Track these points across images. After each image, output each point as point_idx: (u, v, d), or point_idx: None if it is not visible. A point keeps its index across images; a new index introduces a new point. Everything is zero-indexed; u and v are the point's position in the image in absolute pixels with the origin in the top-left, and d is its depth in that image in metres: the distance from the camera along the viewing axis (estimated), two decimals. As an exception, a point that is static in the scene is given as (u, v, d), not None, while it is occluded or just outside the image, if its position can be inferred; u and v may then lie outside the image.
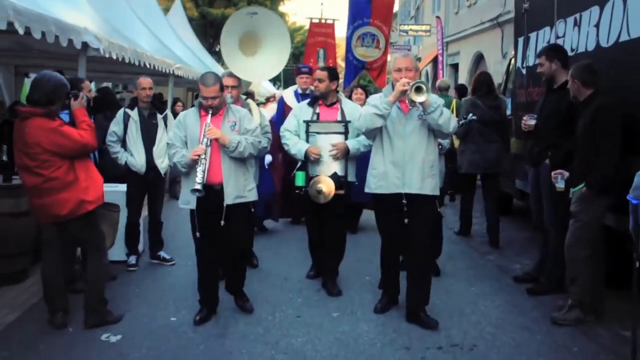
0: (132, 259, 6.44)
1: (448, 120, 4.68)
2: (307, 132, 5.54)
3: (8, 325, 4.76)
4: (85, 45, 6.35)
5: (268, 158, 7.18)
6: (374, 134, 4.84)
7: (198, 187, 4.49)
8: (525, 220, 8.30)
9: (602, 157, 4.51)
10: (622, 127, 4.54)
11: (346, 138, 5.48)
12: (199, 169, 4.53)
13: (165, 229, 6.79)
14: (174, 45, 14.21)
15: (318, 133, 5.50)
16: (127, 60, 7.83)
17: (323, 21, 17.04)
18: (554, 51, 5.34)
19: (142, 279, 6.03)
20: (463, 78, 24.09)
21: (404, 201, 4.70)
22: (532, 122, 5.45)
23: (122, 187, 6.48)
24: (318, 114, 5.62)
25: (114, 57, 7.27)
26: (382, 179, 4.82)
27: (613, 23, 4.94)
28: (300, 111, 5.71)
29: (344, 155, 5.42)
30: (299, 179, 5.52)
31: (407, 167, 4.73)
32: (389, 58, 15.57)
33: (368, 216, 7.40)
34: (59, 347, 4.36)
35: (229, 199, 4.73)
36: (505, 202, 8.81)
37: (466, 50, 23.99)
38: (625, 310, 4.52)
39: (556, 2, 6.09)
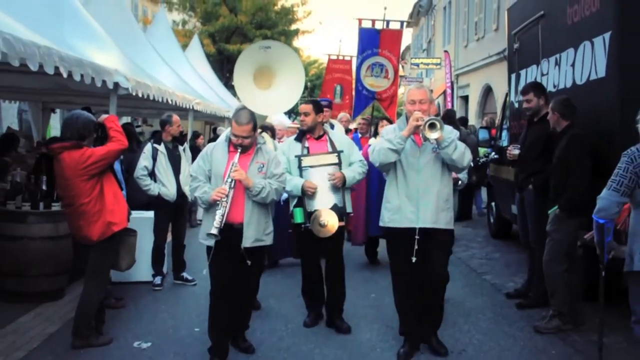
0: (158, 280, 7.04)
1: (462, 154, 4.61)
2: (299, 167, 5.42)
3: (50, 335, 5.36)
4: (116, 85, 7.06)
5: (284, 195, 7.43)
6: (388, 167, 4.78)
7: (214, 231, 4.40)
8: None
9: (572, 180, 5.11)
10: (593, 156, 5.14)
11: (340, 168, 5.42)
12: (219, 212, 4.42)
13: (186, 252, 7.39)
14: (193, 81, 14.90)
15: (311, 167, 5.41)
16: (151, 98, 8.53)
17: (341, 57, 17.45)
18: (539, 88, 5.98)
19: (167, 297, 6.62)
20: (473, 109, 24.74)
21: (417, 237, 4.60)
22: (516, 151, 6.05)
23: (148, 214, 7.14)
24: (307, 148, 5.53)
25: (140, 95, 7.99)
26: (396, 212, 4.75)
27: (585, 63, 5.57)
28: (289, 147, 5.60)
29: (342, 184, 5.37)
30: (297, 215, 5.41)
31: (421, 201, 4.66)
32: (400, 90, 16.08)
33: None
34: (96, 353, 4.95)
35: (247, 241, 4.61)
36: (504, 226, 9.36)
37: (475, 82, 24.65)
38: (598, 323, 5.04)
39: (541, 43, 6.73)
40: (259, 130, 5.81)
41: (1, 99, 14.07)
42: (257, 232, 4.65)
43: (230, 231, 4.54)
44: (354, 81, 16.64)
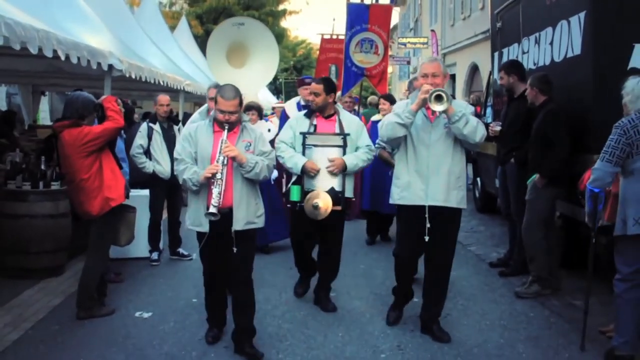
0: (155, 255, 7.28)
1: (474, 130, 4.45)
2: (303, 144, 5.28)
3: (55, 307, 5.60)
4: (110, 67, 7.24)
5: (274, 174, 7.16)
6: (397, 142, 4.66)
7: (213, 210, 4.21)
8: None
9: (555, 150, 5.41)
10: (570, 129, 5.42)
11: (344, 151, 5.25)
12: (215, 190, 4.23)
13: (182, 228, 7.62)
14: (181, 62, 15.01)
15: (315, 146, 5.26)
16: (143, 79, 8.72)
17: (334, 37, 17.03)
18: (511, 67, 6.25)
19: (165, 271, 6.86)
20: (460, 88, 24.99)
21: (426, 215, 4.52)
22: (498, 128, 6.32)
23: (144, 192, 7.37)
24: (315, 126, 5.37)
25: (133, 77, 8.18)
26: (405, 189, 4.64)
27: (562, 42, 5.83)
28: (297, 122, 5.45)
29: (341, 171, 5.19)
30: (294, 193, 5.28)
31: (431, 178, 4.54)
32: (389, 70, 15.92)
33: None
34: (101, 322, 5.20)
35: (238, 224, 4.42)
36: (489, 201, 9.67)
37: (462, 61, 24.88)
38: (577, 285, 5.37)
39: (521, 23, 6.98)
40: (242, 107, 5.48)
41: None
42: (247, 214, 4.46)
43: (220, 217, 4.32)
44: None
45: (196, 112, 6.05)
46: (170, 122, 7.40)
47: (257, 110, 7.54)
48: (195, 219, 4.53)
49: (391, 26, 26.95)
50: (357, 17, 11.46)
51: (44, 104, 16.79)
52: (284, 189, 6.28)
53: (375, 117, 8.11)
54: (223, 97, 4.35)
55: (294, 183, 5.33)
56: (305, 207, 5.15)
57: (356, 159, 5.23)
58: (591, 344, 4.53)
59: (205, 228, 4.43)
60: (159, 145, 7.11)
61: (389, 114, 4.74)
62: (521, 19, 7.00)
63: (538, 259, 5.63)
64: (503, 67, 6.38)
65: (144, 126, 7.22)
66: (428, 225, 4.52)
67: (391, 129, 4.53)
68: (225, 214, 4.35)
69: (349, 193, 5.32)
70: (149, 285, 6.27)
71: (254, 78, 6.22)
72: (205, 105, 5.82)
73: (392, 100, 7.85)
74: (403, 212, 4.75)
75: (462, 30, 24.33)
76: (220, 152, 4.28)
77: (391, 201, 4.82)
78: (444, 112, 4.38)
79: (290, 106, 8.02)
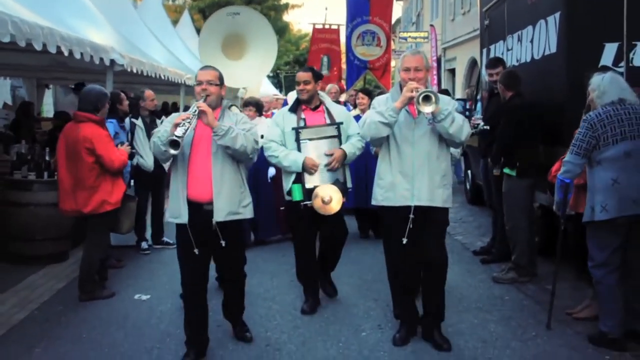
0: (145, 244, 7.54)
1: (460, 128, 4.30)
2: (297, 140, 5.06)
3: (58, 291, 5.93)
4: (112, 62, 7.55)
5: (271, 171, 7.27)
6: (380, 142, 4.46)
7: (176, 137, 3.87)
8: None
9: (497, 140, 5.99)
10: (543, 123, 5.74)
11: (339, 140, 5.09)
12: (180, 128, 3.90)
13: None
14: (183, 56, 15.26)
15: (310, 139, 5.04)
16: (145, 74, 9.02)
17: (327, 26, 16.54)
18: (497, 63, 6.53)
19: (159, 258, 7.15)
20: (460, 82, 25.27)
21: (412, 215, 4.32)
22: (479, 122, 6.63)
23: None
24: (304, 119, 5.16)
25: (135, 71, 8.49)
26: (389, 190, 4.43)
27: (540, 40, 6.11)
28: (283, 119, 5.21)
29: (342, 163, 5.06)
30: (296, 193, 5.02)
31: (416, 177, 4.34)
32: (392, 64, 15.76)
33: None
34: (102, 304, 5.52)
35: (219, 214, 4.13)
36: (479, 193, 9.95)
37: (462, 55, 25.12)
38: (549, 270, 5.66)
39: (506, 21, 7.26)
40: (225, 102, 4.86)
41: (-3, 76, 14.42)
42: (230, 203, 4.17)
43: (199, 212, 4.12)
44: (343, 53, 16.01)
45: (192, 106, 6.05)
46: (153, 117, 7.64)
47: (255, 106, 7.51)
48: (174, 210, 4.22)
49: (394, 20, 27.04)
50: (358, 9, 11.57)
51: (48, 97, 17.07)
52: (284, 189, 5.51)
53: (354, 112, 7.80)
54: (200, 70, 4.30)
55: (294, 182, 5.04)
56: (314, 204, 4.90)
57: (353, 147, 5.08)
58: (558, 323, 4.84)
59: (183, 219, 4.13)
60: (141, 139, 7.23)
61: (370, 111, 4.52)
62: (506, 17, 7.29)
63: (518, 247, 5.93)
64: (488, 64, 6.67)
65: (126, 121, 7.39)
66: (410, 226, 4.31)
67: (374, 129, 4.31)
68: (207, 211, 4.11)
69: (349, 183, 5.22)
70: (147, 270, 6.60)
71: (252, 70, 5.82)
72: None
73: (370, 94, 7.71)
74: (387, 213, 4.51)
75: (461, 25, 24.56)
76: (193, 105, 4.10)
77: (374, 202, 4.60)
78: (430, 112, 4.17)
79: (292, 98, 7.64)
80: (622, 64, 5.28)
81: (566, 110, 5.49)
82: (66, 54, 6.18)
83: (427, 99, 4.11)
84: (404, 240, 4.34)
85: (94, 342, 4.63)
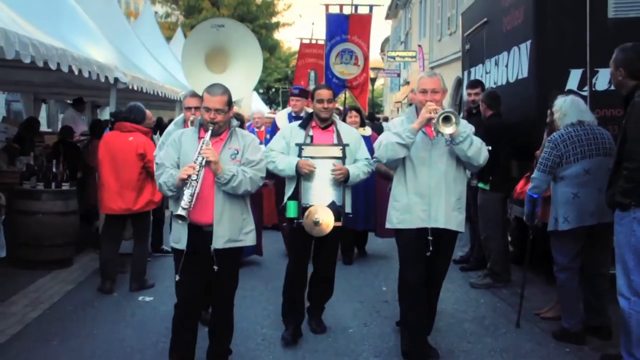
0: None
1: (478, 151, 4.25)
2: (299, 156, 4.88)
3: (67, 292, 6.35)
4: (116, 80, 8.04)
5: None
6: (396, 163, 4.39)
7: (182, 212, 3.80)
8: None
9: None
10: (516, 140, 6.27)
11: (343, 163, 4.89)
12: (187, 192, 3.81)
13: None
14: (177, 72, 15.73)
15: (312, 157, 4.87)
16: (144, 91, 9.51)
17: (314, 41, 16.88)
18: (476, 85, 7.09)
19: (160, 264, 7.58)
20: (446, 101, 25.82)
21: (430, 237, 4.27)
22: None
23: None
24: (312, 137, 4.99)
25: (135, 89, 8.98)
26: (405, 212, 4.37)
27: (514, 65, 6.67)
28: (291, 133, 5.04)
29: (344, 181, 4.85)
30: (291, 209, 4.87)
31: (433, 198, 4.30)
32: (380, 82, 16.00)
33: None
34: (108, 305, 5.97)
35: (218, 242, 4.03)
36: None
37: (448, 75, 25.69)
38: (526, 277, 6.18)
39: (485, 46, 7.83)
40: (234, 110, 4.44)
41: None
42: (231, 231, 4.07)
43: (199, 235, 4.03)
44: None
45: (172, 122, 5.57)
46: (152, 134, 8.10)
47: (241, 122, 7.78)
48: (175, 234, 4.14)
49: (383, 39, 27.35)
50: (337, 28, 11.54)
51: (42, 112, 17.46)
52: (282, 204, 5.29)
53: None
54: (209, 93, 4.02)
55: (290, 198, 4.91)
56: (304, 223, 4.76)
57: (357, 169, 4.90)
58: (526, 322, 5.37)
59: (182, 245, 4.05)
60: None
61: (386, 133, 4.46)
62: (485, 43, 7.85)
63: (493, 255, 6.44)
64: (468, 85, 7.22)
65: None
66: (431, 248, 4.29)
67: (391, 150, 4.25)
68: (207, 233, 4.03)
69: (348, 208, 4.97)
70: (149, 276, 7.02)
71: (236, 84, 5.36)
72: (181, 115, 5.37)
73: (358, 110, 7.71)
74: (403, 236, 4.42)
75: (448, 45, 25.21)
76: (198, 152, 3.91)
77: (389, 225, 4.53)
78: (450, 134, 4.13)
79: (281, 117, 7.78)
80: (586, 88, 5.82)
81: (536, 128, 6.01)
82: (76, 72, 6.68)
83: (447, 119, 4.07)
84: (428, 253, 4.30)
85: (104, 338, 5.08)
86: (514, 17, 6.66)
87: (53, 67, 6.04)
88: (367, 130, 7.46)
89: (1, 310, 5.63)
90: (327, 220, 4.74)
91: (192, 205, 3.81)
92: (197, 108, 4.90)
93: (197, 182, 3.84)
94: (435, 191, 4.30)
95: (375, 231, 7.72)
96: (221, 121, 4.03)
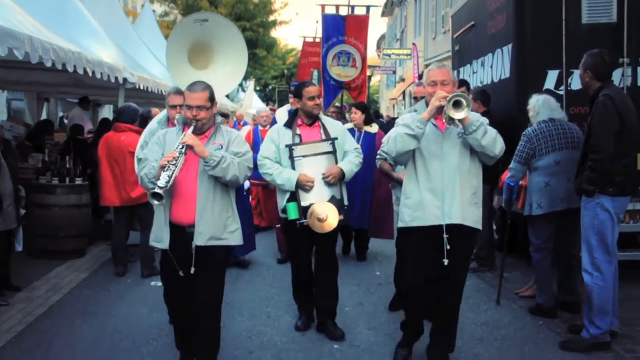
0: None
1: (493, 141, 4.03)
2: (291, 157, 4.88)
3: (83, 279, 6.86)
4: (124, 80, 8.53)
5: (246, 184, 7.23)
6: (406, 157, 4.17)
7: (158, 190, 3.67)
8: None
9: None
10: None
11: (335, 157, 4.91)
12: (165, 173, 3.71)
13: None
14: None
15: (304, 156, 4.87)
16: (149, 90, 9.99)
17: (317, 40, 16.46)
18: (463, 82, 7.57)
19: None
20: (440, 97, 26.35)
21: (445, 235, 4.03)
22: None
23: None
24: (300, 136, 5.00)
25: (141, 88, 9.47)
26: (418, 209, 4.15)
27: (498, 66, 7.18)
28: (278, 134, 5.03)
29: (340, 180, 4.88)
30: (291, 211, 4.82)
31: (446, 193, 4.07)
32: (376, 78, 16.01)
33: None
34: (123, 289, 6.49)
35: (199, 239, 3.89)
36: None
37: (442, 72, 26.24)
38: (508, 262, 6.69)
39: (472, 47, 8.33)
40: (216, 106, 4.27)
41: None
42: (214, 228, 3.95)
43: (182, 235, 3.94)
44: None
45: (154, 119, 5.41)
46: None
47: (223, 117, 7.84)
48: (157, 234, 4.09)
49: (379, 36, 27.58)
50: (334, 29, 11.19)
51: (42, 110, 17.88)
52: (279, 206, 5.15)
53: (347, 126, 7.69)
54: (190, 90, 3.97)
55: (288, 200, 4.87)
56: (309, 222, 4.73)
57: (350, 164, 4.93)
58: (506, 300, 5.92)
59: (164, 244, 3.97)
60: None
61: (395, 127, 4.25)
62: (472, 44, 8.36)
63: (479, 242, 6.95)
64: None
65: None
66: (448, 247, 4.03)
67: (401, 142, 4.05)
68: (190, 234, 3.92)
69: (346, 201, 5.01)
70: (157, 263, 7.52)
71: (220, 80, 5.37)
72: (164, 111, 5.25)
73: (364, 108, 7.60)
74: (415, 234, 4.22)
75: (442, 43, 25.64)
76: (179, 142, 3.85)
77: (401, 224, 4.33)
78: (461, 121, 3.94)
79: (282, 114, 7.80)
80: (562, 87, 6.31)
81: (517, 125, 6.51)
82: (90, 74, 7.18)
83: (457, 104, 3.90)
84: (445, 262, 4.05)
85: (122, 316, 5.59)
86: (498, 22, 7.17)
87: (70, 69, 6.55)
88: (374, 127, 7.46)
89: (26, 294, 6.15)
90: (332, 215, 4.73)
91: (168, 186, 3.70)
92: (182, 106, 4.65)
93: (176, 166, 3.75)
94: (448, 186, 4.08)
95: (369, 230, 7.67)
96: (204, 118, 3.98)
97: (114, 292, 6.36)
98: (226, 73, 5.71)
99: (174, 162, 3.74)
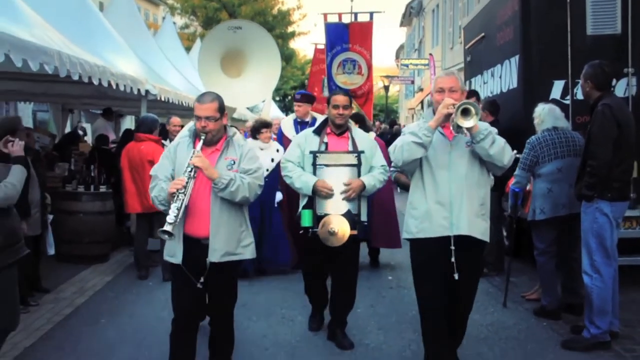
0: None
1: (501, 150, 3.94)
2: (313, 164, 4.82)
3: (107, 282, 7.18)
4: (146, 92, 8.86)
5: (279, 196, 7.25)
6: (413, 167, 4.07)
7: (167, 227, 3.65)
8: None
9: None
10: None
11: (359, 171, 4.80)
12: (173, 206, 3.69)
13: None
14: (197, 82, 16.54)
15: (327, 165, 4.80)
16: (170, 101, 10.31)
17: None
18: (473, 92, 7.82)
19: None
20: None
21: (452, 247, 3.92)
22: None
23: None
24: (326, 144, 4.93)
25: (162, 99, 9.79)
26: (425, 220, 4.03)
27: (506, 76, 7.40)
28: (306, 140, 4.98)
29: (359, 193, 4.77)
30: (305, 218, 4.80)
31: (454, 203, 3.96)
32: (396, 88, 16.01)
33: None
34: (145, 292, 6.78)
35: (214, 255, 3.88)
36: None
37: (459, 81, 26.43)
38: (515, 266, 6.88)
39: (483, 58, 8.55)
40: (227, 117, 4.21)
41: (20, 101, 15.51)
42: (228, 244, 3.93)
43: (197, 248, 3.91)
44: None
45: (185, 127, 5.32)
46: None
47: (269, 127, 7.28)
48: (169, 248, 4.04)
49: (397, 46, 27.67)
50: (337, 37, 11.13)
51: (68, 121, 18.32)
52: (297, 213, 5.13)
53: None
54: (199, 102, 3.94)
55: (304, 207, 4.85)
56: (319, 233, 4.68)
57: (373, 179, 4.81)
58: (513, 303, 6.13)
59: (177, 259, 3.93)
60: None
61: (402, 136, 4.14)
62: (482, 55, 8.58)
63: (488, 247, 7.12)
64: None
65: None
66: (453, 259, 3.93)
67: (407, 150, 3.94)
68: (204, 246, 3.89)
69: (364, 217, 4.88)
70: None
71: (253, 89, 5.23)
72: (192, 122, 5.05)
73: (359, 119, 7.47)
74: (422, 247, 4.07)
75: (460, 53, 25.67)
76: (188, 163, 3.79)
77: (407, 236, 4.19)
78: (469, 129, 3.84)
79: (287, 124, 7.72)
80: (568, 97, 6.51)
81: (524, 134, 6.71)
82: (114, 87, 7.51)
83: (466, 112, 3.79)
84: (456, 276, 3.94)
85: (145, 317, 5.87)
86: (506, 34, 7.39)
87: (95, 82, 6.87)
88: (370, 136, 7.11)
89: (54, 296, 6.47)
90: (343, 230, 4.63)
91: (178, 220, 3.70)
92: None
93: (185, 195, 3.73)
94: (456, 196, 3.97)
95: (370, 241, 7.46)
96: (213, 129, 3.92)
97: (137, 295, 6.66)
98: (258, 81, 5.65)
99: (183, 190, 3.72)
